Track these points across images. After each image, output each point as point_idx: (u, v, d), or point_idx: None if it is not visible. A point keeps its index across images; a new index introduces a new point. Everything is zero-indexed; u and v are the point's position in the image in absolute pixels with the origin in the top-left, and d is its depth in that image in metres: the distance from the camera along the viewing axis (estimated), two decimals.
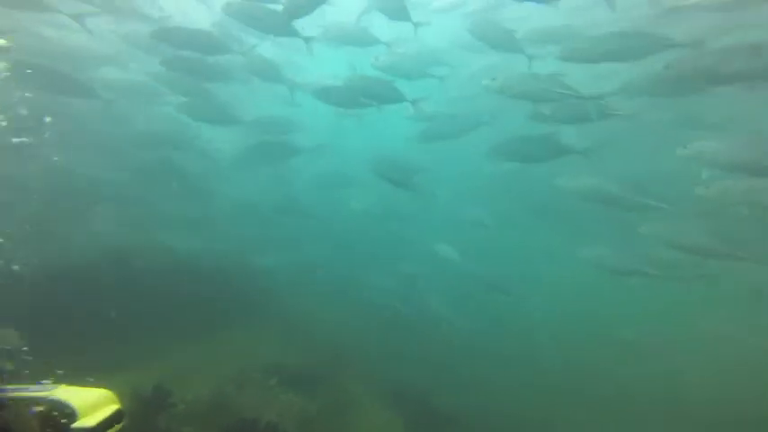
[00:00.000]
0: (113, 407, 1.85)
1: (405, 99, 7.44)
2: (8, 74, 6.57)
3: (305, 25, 7.51)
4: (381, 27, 8.58)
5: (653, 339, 11.81)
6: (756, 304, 10.96)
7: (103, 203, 9.61)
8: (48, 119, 7.42)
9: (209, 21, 8.57)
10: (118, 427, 1.84)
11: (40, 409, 1.78)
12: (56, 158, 8.62)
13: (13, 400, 1.79)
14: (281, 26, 7.03)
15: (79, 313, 6.56)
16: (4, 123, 6.60)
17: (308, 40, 7.44)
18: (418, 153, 9.37)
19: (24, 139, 7.33)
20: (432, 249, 11.20)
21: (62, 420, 1.78)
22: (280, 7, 6.82)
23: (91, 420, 1.79)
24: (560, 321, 12.50)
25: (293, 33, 7.20)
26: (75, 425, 1.75)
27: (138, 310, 7.14)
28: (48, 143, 8.46)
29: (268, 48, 9.30)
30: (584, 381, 9.83)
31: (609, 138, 8.95)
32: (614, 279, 9.28)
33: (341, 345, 9.29)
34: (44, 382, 1.90)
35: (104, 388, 1.92)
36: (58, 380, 1.98)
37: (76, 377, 5.21)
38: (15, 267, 6.59)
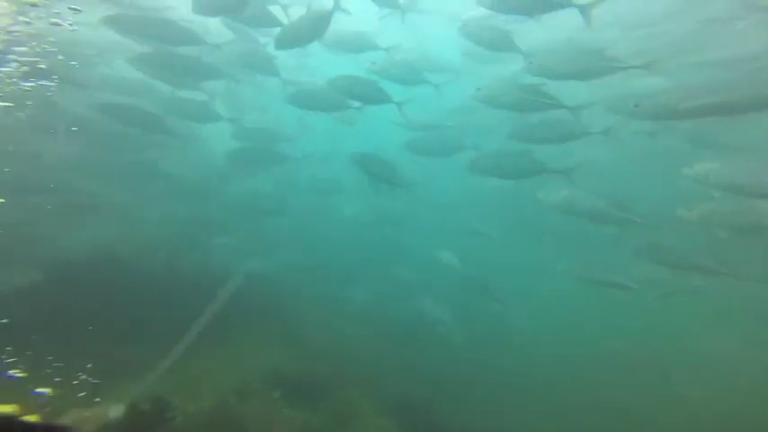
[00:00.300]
0: None
1: (390, 100, 7.44)
2: None
3: None
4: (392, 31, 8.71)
5: (647, 351, 12.04)
6: (751, 318, 11.28)
7: (98, 207, 9.43)
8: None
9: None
10: None
11: None
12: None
13: None
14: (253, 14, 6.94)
15: (75, 322, 6.43)
16: None
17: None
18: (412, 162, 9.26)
19: None
20: (428, 255, 11.34)
21: None
22: None
23: None
24: (555, 332, 12.68)
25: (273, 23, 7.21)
26: None
27: (135, 318, 7.01)
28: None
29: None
30: (586, 395, 9.93)
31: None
32: (605, 291, 9.46)
33: (342, 352, 9.22)
34: None
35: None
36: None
37: (76, 385, 5.02)
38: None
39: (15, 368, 5.13)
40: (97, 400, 4.84)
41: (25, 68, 6.54)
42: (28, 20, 6.28)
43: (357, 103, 7.78)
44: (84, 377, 5.44)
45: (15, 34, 6.32)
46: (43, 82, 6.97)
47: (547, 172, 6.77)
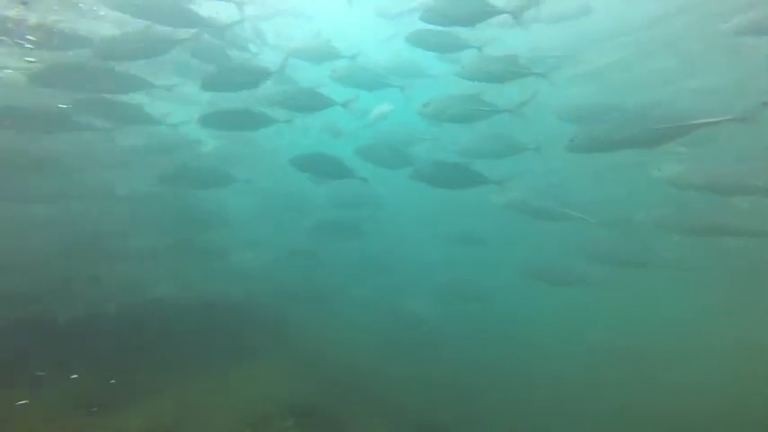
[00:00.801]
0: None
1: (335, 103, 7.50)
2: None
3: None
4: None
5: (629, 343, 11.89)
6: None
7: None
8: None
9: None
10: None
11: None
12: None
13: None
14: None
15: (75, 345, 6.52)
16: None
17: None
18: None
19: None
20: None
21: None
22: None
23: None
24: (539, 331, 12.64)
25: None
26: None
27: (141, 342, 6.93)
28: None
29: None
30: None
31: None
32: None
33: (352, 370, 8.89)
34: None
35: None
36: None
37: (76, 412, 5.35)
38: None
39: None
40: None
41: None
42: None
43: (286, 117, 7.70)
44: (84, 403, 5.55)
45: None
46: None
47: (485, 183, 6.91)
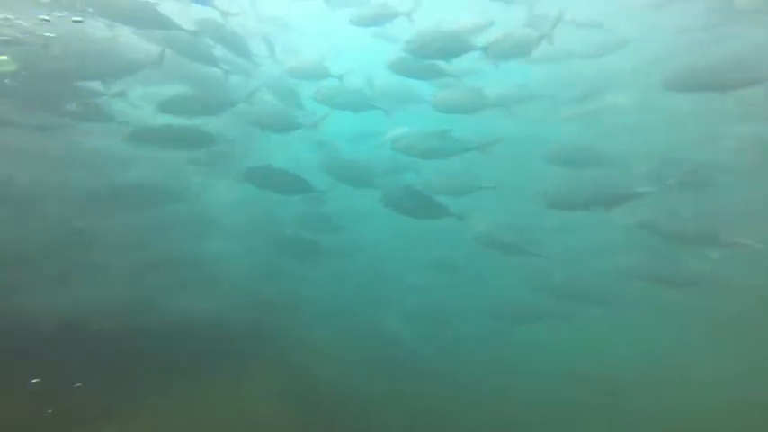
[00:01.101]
0: None
1: (300, 127, 7.59)
2: None
3: None
4: None
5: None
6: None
7: None
8: None
9: None
10: None
11: None
12: None
13: None
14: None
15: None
16: None
17: None
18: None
19: None
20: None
21: None
22: None
23: None
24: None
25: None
26: None
27: (103, 358, 6.47)
28: None
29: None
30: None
31: None
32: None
33: (331, 387, 8.59)
34: None
35: None
36: None
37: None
38: None
39: None
40: None
41: None
42: None
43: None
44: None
45: None
46: None
47: (447, 215, 7.05)
